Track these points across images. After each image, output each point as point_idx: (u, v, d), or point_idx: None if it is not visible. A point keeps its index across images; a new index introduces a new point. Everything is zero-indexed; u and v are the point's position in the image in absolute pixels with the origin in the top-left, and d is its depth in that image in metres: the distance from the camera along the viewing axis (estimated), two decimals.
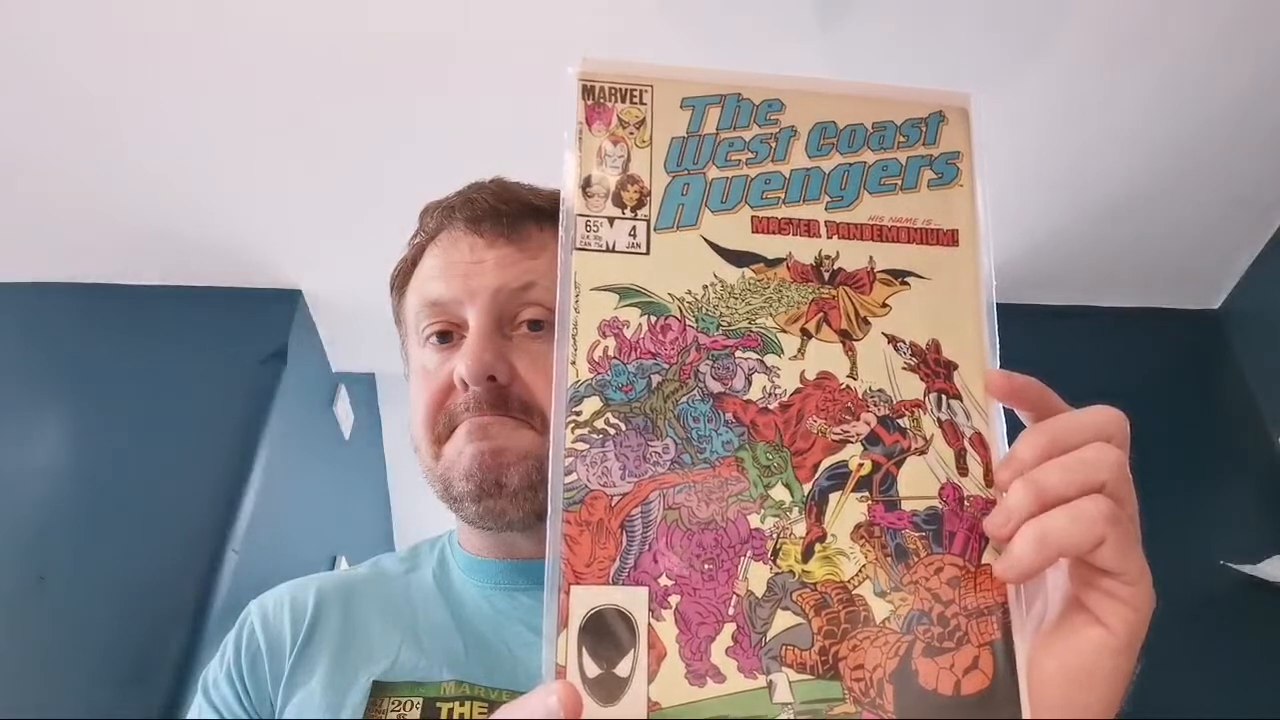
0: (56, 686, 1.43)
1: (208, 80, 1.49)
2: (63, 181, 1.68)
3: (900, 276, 0.39)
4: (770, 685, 0.33)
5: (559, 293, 0.37)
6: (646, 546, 0.34)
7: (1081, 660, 0.36)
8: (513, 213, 0.62)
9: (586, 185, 0.38)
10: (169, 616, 1.51)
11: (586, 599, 0.34)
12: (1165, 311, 1.89)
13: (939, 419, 0.38)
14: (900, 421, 0.37)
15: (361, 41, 1.44)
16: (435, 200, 0.66)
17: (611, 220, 0.38)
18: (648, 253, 0.38)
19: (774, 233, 0.39)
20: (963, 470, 0.37)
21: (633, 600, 0.34)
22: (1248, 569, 1.51)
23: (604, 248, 0.38)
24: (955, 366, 0.39)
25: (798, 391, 0.37)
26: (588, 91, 0.39)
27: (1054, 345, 1.85)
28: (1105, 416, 0.37)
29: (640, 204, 0.38)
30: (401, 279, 0.67)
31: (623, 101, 0.39)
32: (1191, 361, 1.84)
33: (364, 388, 2.44)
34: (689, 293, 0.38)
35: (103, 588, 1.52)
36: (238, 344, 1.82)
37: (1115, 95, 1.49)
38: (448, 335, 0.61)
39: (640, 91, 0.39)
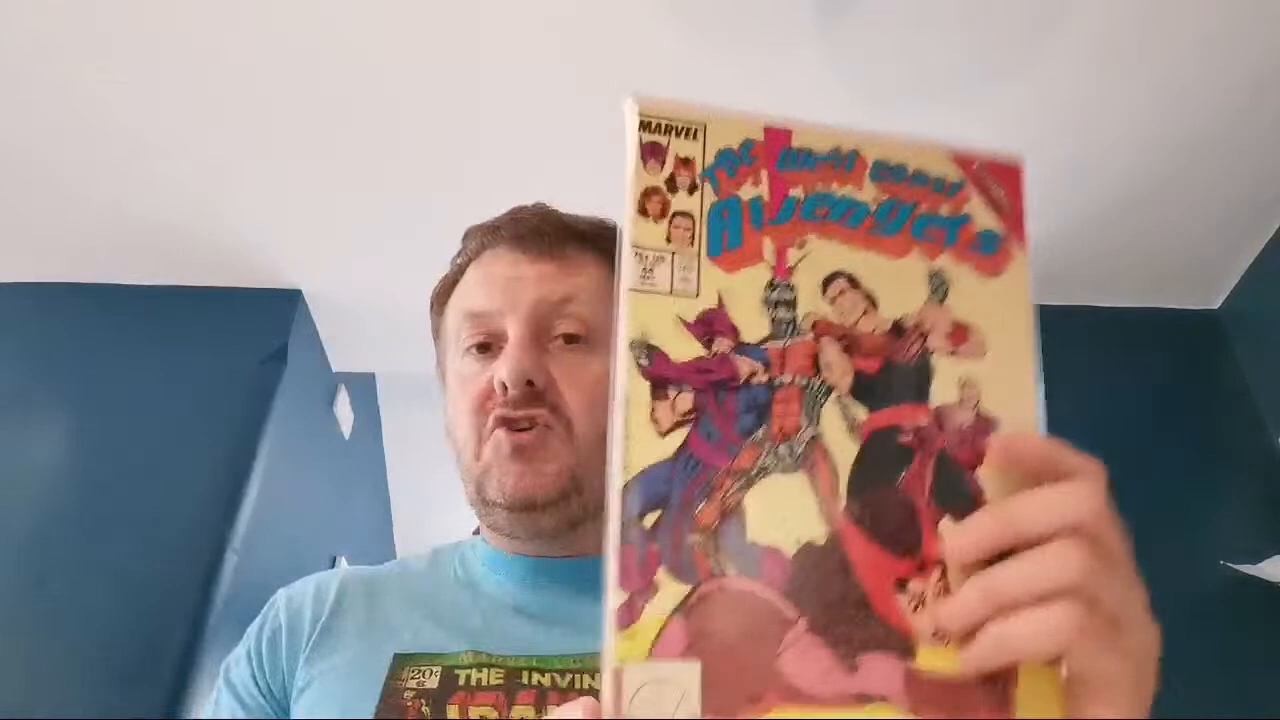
0: (56, 686, 1.43)
1: (209, 81, 1.49)
2: (64, 182, 1.68)
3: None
4: None
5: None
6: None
7: None
8: (554, 232, 0.66)
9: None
10: (169, 616, 1.51)
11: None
12: (1165, 311, 1.89)
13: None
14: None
15: (363, 44, 1.44)
16: (479, 223, 0.70)
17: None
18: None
19: None
20: None
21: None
22: (1248, 569, 1.51)
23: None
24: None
25: None
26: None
27: (1054, 345, 1.86)
28: (1075, 499, 0.33)
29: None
30: (442, 296, 0.71)
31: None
32: (1191, 361, 1.84)
33: (364, 388, 2.44)
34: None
35: (103, 588, 1.52)
36: (238, 344, 1.82)
37: (1115, 95, 1.49)
38: (487, 346, 0.64)
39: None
